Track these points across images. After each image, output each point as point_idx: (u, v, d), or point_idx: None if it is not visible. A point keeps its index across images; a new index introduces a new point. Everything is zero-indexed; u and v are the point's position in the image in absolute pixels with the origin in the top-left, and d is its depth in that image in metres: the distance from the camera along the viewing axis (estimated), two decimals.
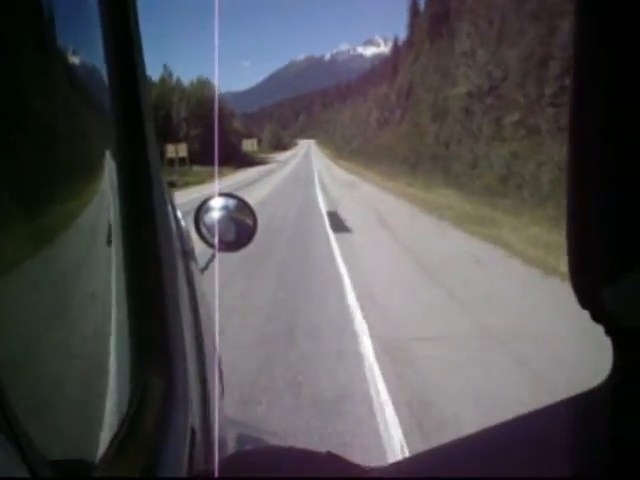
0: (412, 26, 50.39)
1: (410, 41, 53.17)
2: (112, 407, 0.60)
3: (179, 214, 1.44)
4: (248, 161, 60.15)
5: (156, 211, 0.75)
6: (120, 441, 0.54)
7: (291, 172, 43.70)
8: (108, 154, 0.67)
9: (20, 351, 0.38)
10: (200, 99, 58.01)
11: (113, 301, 0.64)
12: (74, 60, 0.57)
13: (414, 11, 50.18)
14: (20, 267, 0.40)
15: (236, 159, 55.07)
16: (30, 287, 0.41)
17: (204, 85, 65.32)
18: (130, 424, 0.58)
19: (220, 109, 68.43)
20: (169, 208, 1.02)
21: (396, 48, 65.08)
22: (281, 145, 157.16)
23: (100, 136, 0.67)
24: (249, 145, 75.84)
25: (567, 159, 0.29)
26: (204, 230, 1.57)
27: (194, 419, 0.71)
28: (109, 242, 0.64)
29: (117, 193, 0.67)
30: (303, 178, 35.58)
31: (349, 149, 71.91)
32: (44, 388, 0.42)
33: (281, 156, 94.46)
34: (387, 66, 70.67)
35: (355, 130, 79.33)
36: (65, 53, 0.54)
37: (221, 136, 51.94)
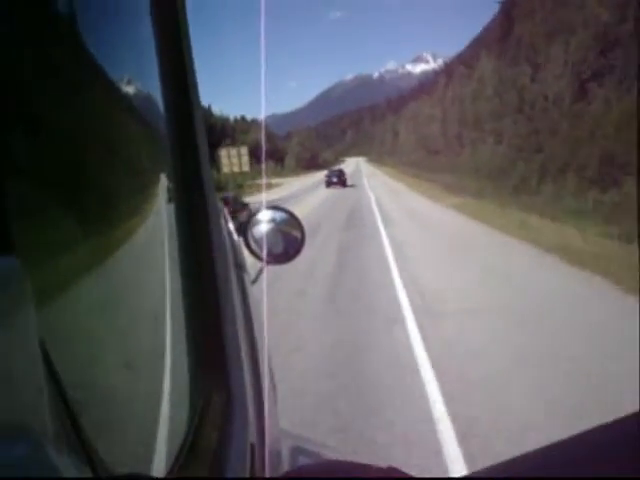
0: None
1: None
2: (173, 422, 0.61)
3: (231, 227, 1.46)
4: None
5: (211, 226, 0.77)
6: (184, 458, 0.56)
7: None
8: (163, 174, 0.71)
9: (83, 368, 0.40)
10: None
11: (170, 316, 0.65)
12: (131, 89, 0.61)
13: None
14: (79, 283, 0.41)
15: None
16: (90, 303, 0.43)
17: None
18: (192, 441, 0.60)
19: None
20: (222, 222, 1.02)
21: None
22: (315, 164, 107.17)
23: (156, 157, 0.71)
24: (229, 159, 33.35)
25: None
26: (252, 243, 1.57)
27: (252, 435, 0.72)
28: (165, 258, 0.67)
29: (173, 210, 0.71)
30: None
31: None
32: (105, 403, 0.44)
33: (295, 184, 46.94)
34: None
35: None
36: (122, 82, 0.57)
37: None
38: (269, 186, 40.08)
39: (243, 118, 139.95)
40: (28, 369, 0.25)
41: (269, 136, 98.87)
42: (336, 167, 43.23)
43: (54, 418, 0.27)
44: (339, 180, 37.14)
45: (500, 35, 42.79)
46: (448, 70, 61.53)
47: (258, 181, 45.30)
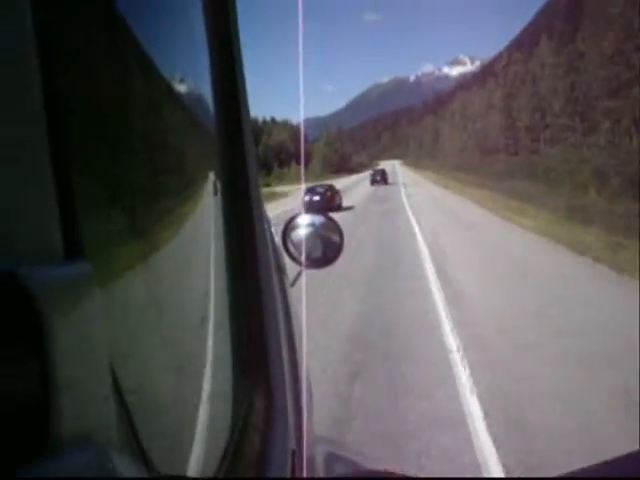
0: None
1: None
2: (217, 425, 0.62)
3: (273, 230, 1.46)
4: None
5: (255, 228, 0.78)
6: (229, 461, 0.57)
7: None
8: (211, 174, 0.73)
9: (135, 371, 0.40)
10: None
11: (214, 319, 0.66)
12: (182, 88, 0.62)
13: None
14: (132, 284, 0.41)
15: None
16: (141, 303, 0.43)
17: None
18: (237, 444, 0.61)
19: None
20: (265, 225, 1.04)
21: None
22: (346, 167, 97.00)
23: (204, 156, 0.73)
24: None
25: None
26: (291, 247, 1.58)
27: (292, 440, 0.74)
28: (211, 260, 0.68)
29: (219, 211, 0.72)
30: None
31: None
32: (153, 406, 0.44)
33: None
34: None
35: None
36: (175, 81, 0.58)
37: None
38: (269, 197, 30.19)
39: (273, 120, 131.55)
40: (96, 375, 0.26)
41: (295, 138, 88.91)
42: (379, 167, 60.50)
43: (117, 423, 0.27)
44: (382, 179, 47.41)
45: (567, 17, 34.15)
46: (508, 52, 51.49)
47: (272, 188, 45.86)
